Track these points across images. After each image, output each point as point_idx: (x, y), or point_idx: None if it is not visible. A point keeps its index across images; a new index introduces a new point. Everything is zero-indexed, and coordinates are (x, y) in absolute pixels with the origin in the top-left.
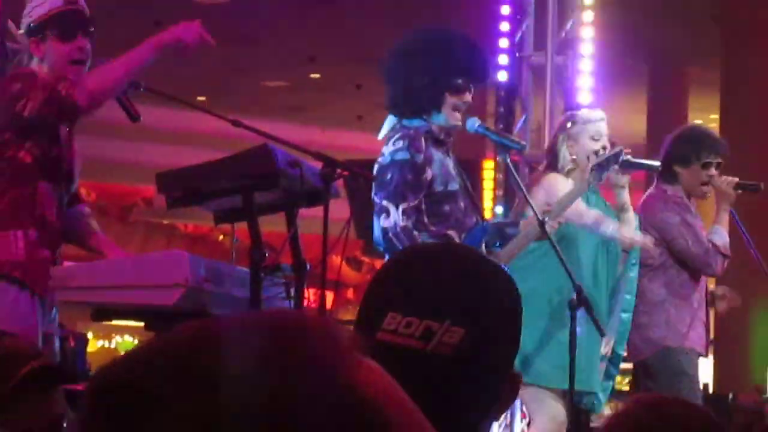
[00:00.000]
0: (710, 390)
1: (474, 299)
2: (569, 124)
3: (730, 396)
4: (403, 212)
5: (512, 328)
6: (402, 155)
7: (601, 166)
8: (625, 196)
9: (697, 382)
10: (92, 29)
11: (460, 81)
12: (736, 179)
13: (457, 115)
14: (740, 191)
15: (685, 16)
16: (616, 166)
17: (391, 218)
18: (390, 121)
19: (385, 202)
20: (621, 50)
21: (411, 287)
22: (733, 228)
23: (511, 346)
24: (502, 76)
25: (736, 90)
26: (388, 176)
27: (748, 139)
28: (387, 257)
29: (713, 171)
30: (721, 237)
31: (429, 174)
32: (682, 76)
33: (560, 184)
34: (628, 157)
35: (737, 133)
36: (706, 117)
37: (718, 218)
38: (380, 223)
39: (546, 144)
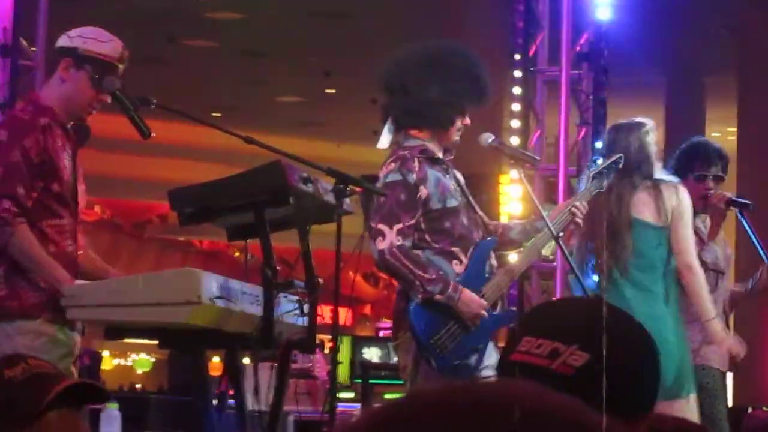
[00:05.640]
0: (729, 404)
1: (607, 332)
2: (645, 133)
3: (749, 410)
4: (399, 232)
5: (643, 372)
6: (393, 176)
7: (602, 174)
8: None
9: (721, 398)
10: (105, 84)
11: (472, 104)
12: (728, 195)
13: (458, 135)
14: (730, 208)
15: (701, 28)
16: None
17: (387, 240)
18: (389, 130)
19: (380, 225)
20: (637, 63)
21: (549, 315)
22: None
23: (633, 386)
24: (517, 91)
25: (753, 101)
26: (381, 199)
27: (766, 150)
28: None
29: (710, 184)
30: (711, 254)
31: (423, 192)
32: (699, 88)
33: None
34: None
35: (755, 144)
36: (723, 129)
37: (710, 234)
38: (377, 246)
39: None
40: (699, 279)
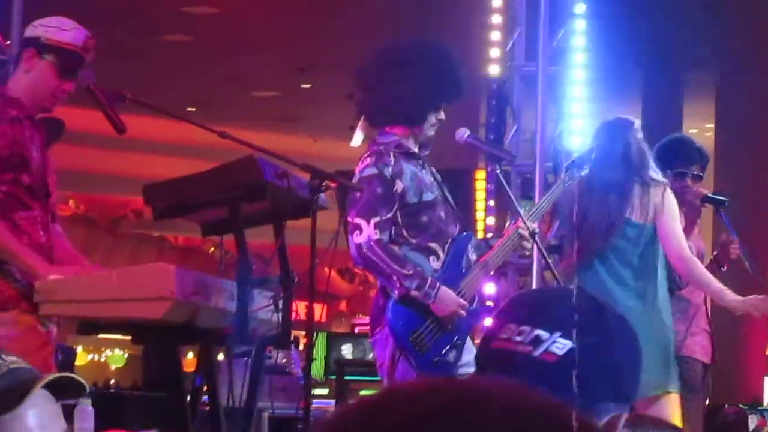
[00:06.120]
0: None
1: (588, 320)
2: (637, 131)
3: (726, 407)
4: (376, 226)
5: (625, 359)
6: (369, 171)
7: (575, 165)
8: None
9: (700, 391)
10: (79, 79)
11: (444, 100)
12: (703, 192)
13: (433, 130)
14: (706, 204)
15: (680, 23)
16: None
17: (364, 233)
18: (361, 128)
19: (357, 219)
20: (615, 57)
21: (530, 304)
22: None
23: (616, 373)
24: (494, 86)
25: (732, 97)
26: (358, 193)
27: (744, 146)
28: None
29: (687, 182)
30: None
31: (399, 186)
32: (677, 83)
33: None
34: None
35: (733, 140)
36: (701, 125)
37: (684, 230)
38: (354, 240)
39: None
40: (694, 267)
